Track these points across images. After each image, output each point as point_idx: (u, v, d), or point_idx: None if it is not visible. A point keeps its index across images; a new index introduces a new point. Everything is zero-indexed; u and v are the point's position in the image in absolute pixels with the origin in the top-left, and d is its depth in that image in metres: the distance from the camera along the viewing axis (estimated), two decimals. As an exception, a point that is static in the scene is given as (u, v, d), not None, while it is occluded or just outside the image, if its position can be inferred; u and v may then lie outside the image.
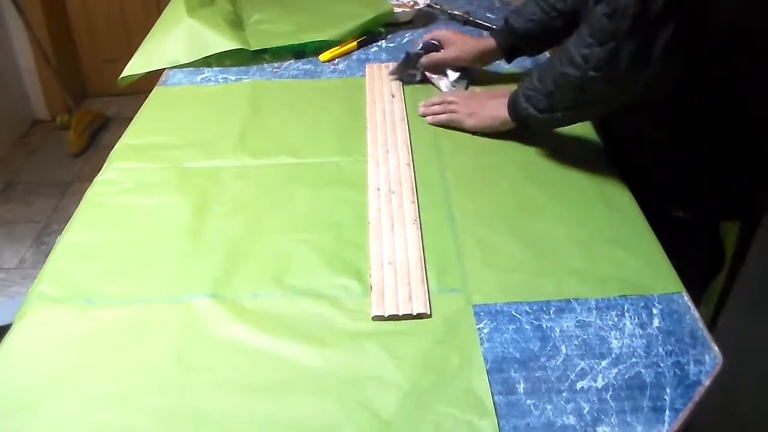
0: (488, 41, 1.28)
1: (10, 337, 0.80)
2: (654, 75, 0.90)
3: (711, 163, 1.02)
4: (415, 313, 0.81)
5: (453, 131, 1.17)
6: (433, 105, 1.21)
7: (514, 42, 1.26)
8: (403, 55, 1.34)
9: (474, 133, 1.15)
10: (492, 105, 1.13)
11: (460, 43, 1.30)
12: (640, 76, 0.90)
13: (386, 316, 0.81)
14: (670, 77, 0.92)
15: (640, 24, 0.86)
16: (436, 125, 1.18)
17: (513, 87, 1.11)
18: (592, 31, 0.91)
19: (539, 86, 1.01)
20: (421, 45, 1.34)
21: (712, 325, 1.13)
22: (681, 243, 0.93)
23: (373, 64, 1.41)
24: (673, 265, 0.88)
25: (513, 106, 1.08)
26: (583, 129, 1.17)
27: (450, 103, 1.19)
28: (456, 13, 1.65)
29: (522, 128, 1.09)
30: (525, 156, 1.10)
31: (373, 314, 0.81)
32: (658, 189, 1.07)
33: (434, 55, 1.30)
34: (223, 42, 1.42)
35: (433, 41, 1.33)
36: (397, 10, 1.61)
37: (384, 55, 1.48)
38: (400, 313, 0.81)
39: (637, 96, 0.95)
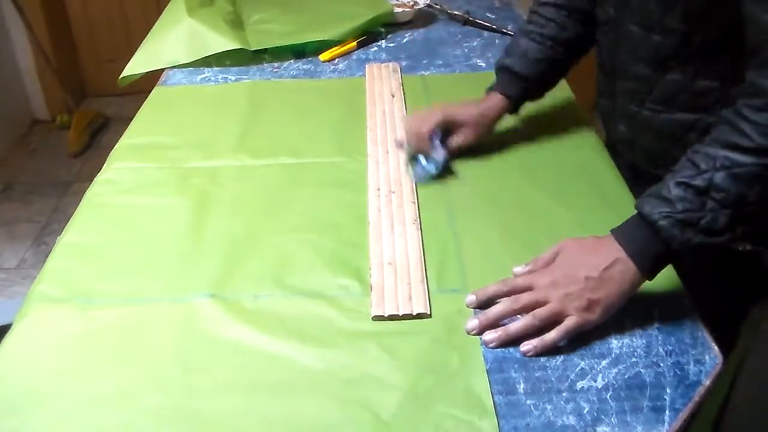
0: (489, 99, 1.09)
1: (10, 337, 0.80)
2: None
3: None
4: (414, 313, 0.81)
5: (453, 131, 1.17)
6: (499, 310, 0.78)
7: (522, 90, 1.09)
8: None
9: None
10: (611, 284, 0.77)
11: (471, 121, 1.07)
12: None
13: (386, 316, 0.81)
14: None
15: None
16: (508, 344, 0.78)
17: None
18: None
19: (704, 201, 0.73)
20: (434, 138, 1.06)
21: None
22: (723, 269, 0.87)
23: (373, 64, 1.41)
24: (713, 293, 0.83)
25: (651, 253, 0.76)
26: (584, 130, 1.17)
27: (537, 300, 0.78)
28: (456, 13, 1.65)
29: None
30: (525, 156, 1.10)
31: (373, 314, 0.81)
32: None
33: (456, 141, 1.08)
34: (223, 42, 1.42)
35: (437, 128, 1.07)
36: (397, 10, 1.61)
37: (384, 55, 1.48)
38: (400, 313, 0.81)
39: None
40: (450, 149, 1.06)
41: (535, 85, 1.10)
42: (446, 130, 1.07)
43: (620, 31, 0.96)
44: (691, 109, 0.92)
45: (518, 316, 0.78)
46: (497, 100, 1.09)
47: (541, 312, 0.77)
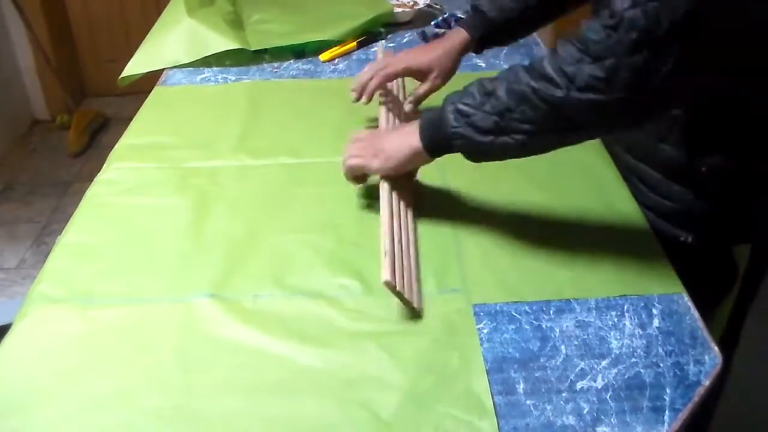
0: (451, 35, 1.13)
1: (10, 337, 0.80)
2: (654, 101, 0.77)
3: (726, 185, 0.94)
4: (414, 305, 0.80)
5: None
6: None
7: (487, 31, 1.11)
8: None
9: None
10: (398, 137, 0.92)
11: (435, 65, 1.11)
12: (637, 102, 0.76)
13: (395, 286, 0.79)
14: (673, 102, 0.82)
15: (647, 39, 0.71)
16: (348, 177, 0.97)
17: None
18: (584, 45, 0.75)
19: (484, 101, 0.82)
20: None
21: (728, 341, 1.11)
22: (692, 264, 0.89)
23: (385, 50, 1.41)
24: (683, 283, 0.85)
25: (432, 128, 0.87)
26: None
27: (354, 146, 0.96)
28: (456, 12, 1.64)
29: (434, 157, 0.90)
30: (522, 161, 1.10)
31: (385, 279, 0.78)
32: (668, 213, 0.99)
33: (421, 90, 1.12)
34: (222, 42, 1.42)
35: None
36: (397, 10, 1.61)
37: (384, 55, 1.48)
38: (405, 295, 0.80)
39: (625, 126, 0.85)
40: (419, 97, 1.12)
41: (501, 30, 1.12)
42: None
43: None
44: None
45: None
46: (460, 36, 1.12)
47: (352, 153, 0.95)
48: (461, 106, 0.83)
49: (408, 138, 0.90)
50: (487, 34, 1.12)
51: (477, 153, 0.86)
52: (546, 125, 0.79)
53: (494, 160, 0.87)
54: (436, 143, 0.88)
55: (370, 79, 1.12)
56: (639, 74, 0.73)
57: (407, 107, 1.12)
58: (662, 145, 0.96)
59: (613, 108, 0.76)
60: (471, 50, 1.14)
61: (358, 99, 1.13)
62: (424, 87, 1.12)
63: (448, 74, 1.12)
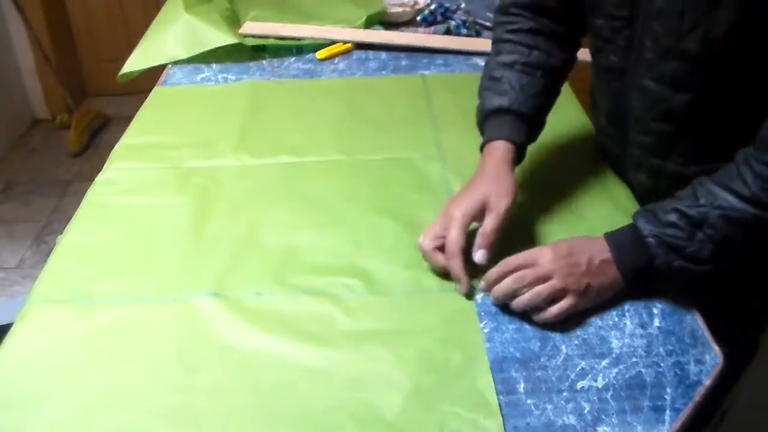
0: (495, 155, 0.93)
1: (11, 337, 0.80)
2: None
3: None
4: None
5: (453, 130, 1.17)
6: (504, 288, 0.81)
7: (527, 132, 0.96)
8: None
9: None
10: (600, 275, 0.80)
11: (492, 192, 0.88)
12: None
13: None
14: None
15: None
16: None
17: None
18: None
19: (695, 232, 0.76)
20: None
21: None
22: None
23: None
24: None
25: (633, 262, 0.80)
26: (584, 128, 1.17)
27: (539, 277, 0.79)
28: (443, 3, 1.65)
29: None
30: (526, 156, 1.10)
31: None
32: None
33: (489, 226, 0.86)
34: (220, 37, 1.42)
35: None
36: (398, 9, 1.62)
37: (384, 55, 1.48)
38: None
39: None
40: (490, 241, 0.86)
41: (536, 125, 0.98)
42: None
43: (631, 84, 0.89)
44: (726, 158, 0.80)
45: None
46: (504, 151, 0.93)
47: (544, 288, 0.79)
48: (668, 240, 0.77)
49: (609, 273, 0.80)
50: (528, 136, 0.97)
51: (688, 280, 0.80)
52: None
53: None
54: (643, 278, 0.81)
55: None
56: None
57: (479, 258, 0.85)
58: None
59: None
60: (517, 159, 0.96)
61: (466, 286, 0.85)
62: (490, 224, 0.86)
63: (510, 195, 0.89)
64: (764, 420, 1.12)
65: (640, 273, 0.80)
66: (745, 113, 0.80)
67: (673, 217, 0.77)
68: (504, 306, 0.82)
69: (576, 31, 1.00)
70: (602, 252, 0.80)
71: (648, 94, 0.86)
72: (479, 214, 0.87)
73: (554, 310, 0.79)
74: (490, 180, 0.90)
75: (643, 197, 0.97)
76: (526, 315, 0.80)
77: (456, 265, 0.83)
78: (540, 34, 0.98)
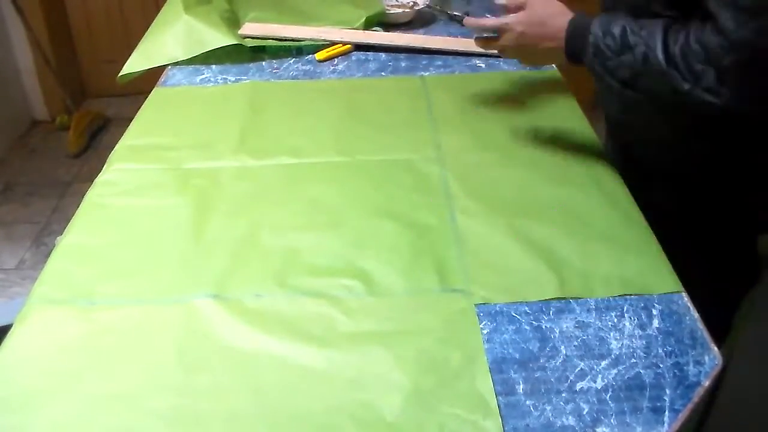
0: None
1: (11, 338, 0.80)
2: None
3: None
4: None
5: (453, 131, 1.17)
6: (485, 33, 1.07)
7: None
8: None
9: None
10: (546, 52, 1.01)
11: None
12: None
13: None
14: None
15: None
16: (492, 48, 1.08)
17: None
18: (711, 47, 0.82)
19: (623, 51, 0.90)
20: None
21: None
22: (716, 257, 0.90)
23: None
24: (708, 279, 0.87)
25: (574, 46, 0.96)
26: (584, 130, 1.17)
27: (504, 32, 1.04)
28: (456, 14, 1.65)
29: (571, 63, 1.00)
30: (527, 156, 1.10)
31: None
32: (700, 200, 1.02)
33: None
34: (220, 38, 1.42)
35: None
36: (397, 10, 1.62)
37: (383, 56, 1.48)
38: None
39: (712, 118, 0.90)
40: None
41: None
42: None
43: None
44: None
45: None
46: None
47: (501, 42, 1.06)
48: (601, 44, 0.92)
49: (553, 43, 0.99)
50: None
51: (601, 79, 0.95)
52: (662, 99, 0.91)
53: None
54: (574, 58, 0.98)
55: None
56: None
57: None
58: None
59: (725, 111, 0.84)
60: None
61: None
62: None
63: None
64: (746, 417, 1.12)
65: (574, 59, 0.98)
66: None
67: (617, 30, 0.91)
68: (504, 309, 0.82)
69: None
70: (560, 28, 0.98)
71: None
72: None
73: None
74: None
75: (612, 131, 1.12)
76: (526, 316, 0.80)
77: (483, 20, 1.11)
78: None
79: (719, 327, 0.87)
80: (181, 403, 0.71)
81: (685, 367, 0.74)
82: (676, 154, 1.02)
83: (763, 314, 1.11)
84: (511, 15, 1.04)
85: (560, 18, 0.99)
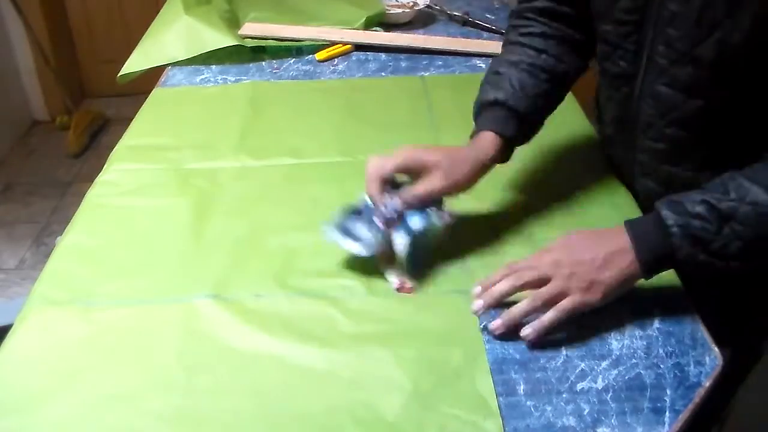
0: (479, 140, 0.91)
1: (11, 339, 0.80)
2: None
3: None
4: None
5: (453, 131, 1.17)
6: (502, 287, 0.79)
7: (518, 130, 0.92)
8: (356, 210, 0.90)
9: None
10: (610, 263, 0.76)
11: (444, 163, 0.86)
12: None
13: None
14: None
15: None
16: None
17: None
18: None
19: (721, 226, 0.73)
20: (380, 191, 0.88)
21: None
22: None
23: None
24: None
25: (653, 252, 0.76)
26: (584, 130, 1.17)
27: (540, 278, 0.78)
28: (455, 13, 1.65)
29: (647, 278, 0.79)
30: (527, 157, 1.10)
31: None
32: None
33: (417, 189, 0.86)
34: (219, 39, 1.42)
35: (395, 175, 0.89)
36: (397, 10, 1.62)
37: (383, 56, 1.48)
38: None
39: None
40: (407, 198, 0.85)
41: (531, 125, 0.95)
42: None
43: (642, 89, 0.87)
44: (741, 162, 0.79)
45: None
46: (489, 140, 0.90)
47: (542, 292, 0.76)
48: (694, 232, 0.74)
49: (623, 265, 0.76)
50: (518, 134, 0.93)
51: (713, 275, 0.77)
52: None
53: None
54: (664, 267, 0.78)
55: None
56: None
57: (396, 202, 0.85)
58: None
59: None
60: (499, 158, 0.92)
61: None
62: (423, 187, 0.86)
63: (457, 180, 0.87)
64: (765, 425, 1.12)
65: (659, 264, 0.77)
66: (760, 119, 0.80)
67: (700, 209, 0.74)
68: (504, 308, 0.81)
69: (593, 38, 0.96)
70: (616, 242, 0.77)
71: (661, 99, 0.85)
72: (417, 170, 0.86)
73: (549, 314, 0.76)
74: (453, 158, 0.87)
75: (647, 205, 0.95)
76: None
77: (372, 188, 0.86)
78: (552, 38, 0.96)
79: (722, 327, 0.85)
80: (181, 404, 0.71)
81: (685, 368, 0.74)
82: (676, 152, 1.00)
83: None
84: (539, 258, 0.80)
85: (601, 242, 0.78)
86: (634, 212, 0.97)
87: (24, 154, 2.93)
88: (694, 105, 0.82)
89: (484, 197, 1.01)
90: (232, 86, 1.36)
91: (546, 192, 1.02)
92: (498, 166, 0.93)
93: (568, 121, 1.19)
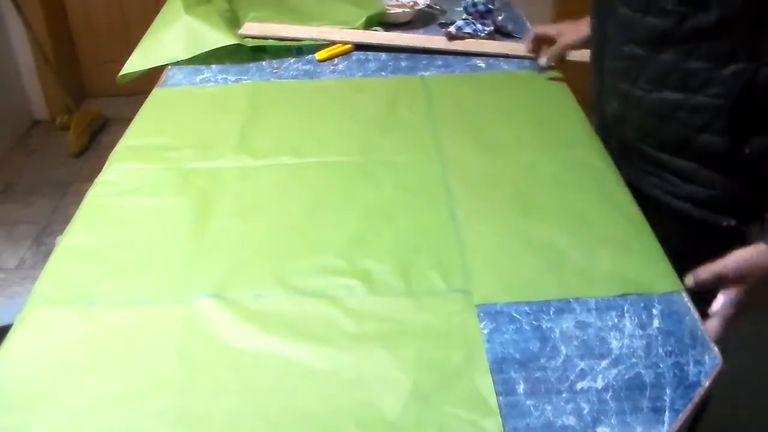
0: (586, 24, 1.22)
1: (10, 338, 0.80)
2: None
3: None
4: None
5: (453, 131, 1.17)
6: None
7: None
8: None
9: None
10: None
11: (569, 32, 1.30)
12: None
13: None
14: None
15: None
16: None
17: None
18: None
19: None
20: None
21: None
22: (716, 253, 0.90)
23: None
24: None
25: None
26: (584, 129, 1.17)
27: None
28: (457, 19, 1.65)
29: None
30: (526, 155, 1.10)
31: None
32: (707, 200, 1.01)
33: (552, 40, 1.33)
34: (220, 38, 1.42)
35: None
36: (397, 10, 1.62)
37: (383, 56, 1.48)
38: None
39: None
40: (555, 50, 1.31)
41: None
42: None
43: (609, 12, 1.03)
44: (680, 89, 0.97)
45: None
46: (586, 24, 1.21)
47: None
48: None
49: None
50: None
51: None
52: None
53: None
54: None
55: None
56: None
57: (543, 61, 1.34)
58: (702, 135, 0.98)
59: None
60: None
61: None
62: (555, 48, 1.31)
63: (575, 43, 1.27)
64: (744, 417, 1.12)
65: None
66: (711, 41, 0.91)
67: None
68: (504, 309, 0.82)
69: None
70: None
71: (621, 20, 1.00)
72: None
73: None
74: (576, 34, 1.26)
75: (613, 125, 1.11)
76: (526, 316, 0.81)
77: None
78: None
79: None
80: (181, 404, 0.71)
81: (685, 367, 0.74)
82: (674, 150, 1.02)
83: (762, 312, 1.11)
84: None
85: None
86: (634, 211, 0.97)
87: (24, 153, 2.94)
88: (648, 23, 0.96)
89: (484, 197, 1.01)
90: (233, 86, 1.36)
91: (546, 191, 1.02)
92: (495, 171, 1.03)
93: (567, 119, 1.19)
